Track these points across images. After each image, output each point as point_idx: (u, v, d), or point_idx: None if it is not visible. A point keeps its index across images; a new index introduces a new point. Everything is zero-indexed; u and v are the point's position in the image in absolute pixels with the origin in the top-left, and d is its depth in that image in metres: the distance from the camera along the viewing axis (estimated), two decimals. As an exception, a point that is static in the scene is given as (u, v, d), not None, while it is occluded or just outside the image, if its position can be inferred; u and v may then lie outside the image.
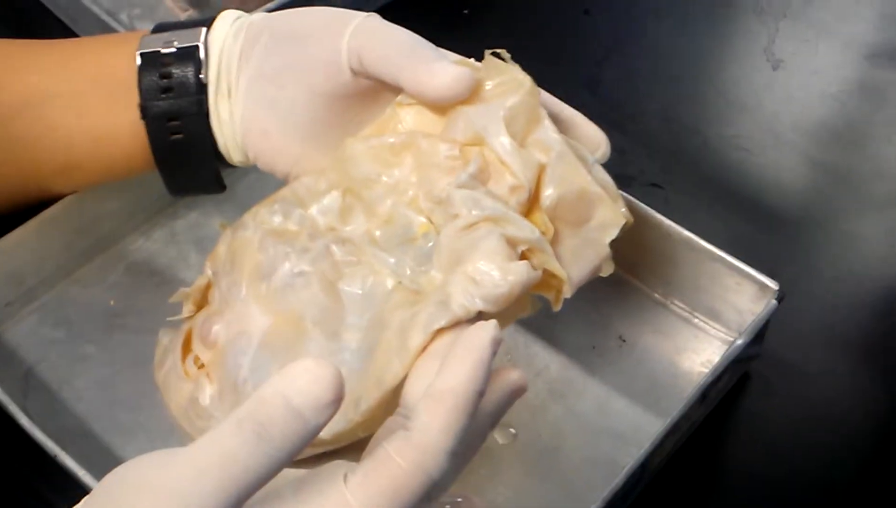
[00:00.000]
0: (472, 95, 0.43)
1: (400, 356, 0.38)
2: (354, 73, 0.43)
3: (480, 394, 0.34)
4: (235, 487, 0.31)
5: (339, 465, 0.34)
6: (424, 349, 0.37)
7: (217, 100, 0.46)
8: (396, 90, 0.44)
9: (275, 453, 0.31)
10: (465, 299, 0.37)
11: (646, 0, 0.72)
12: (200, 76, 0.46)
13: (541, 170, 0.41)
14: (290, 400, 0.30)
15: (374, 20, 0.44)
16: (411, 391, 0.36)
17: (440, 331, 0.37)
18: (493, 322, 0.35)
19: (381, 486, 0.32)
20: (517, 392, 0.37)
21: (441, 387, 0.34)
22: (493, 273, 0.38)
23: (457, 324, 0.37)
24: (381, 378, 0.38)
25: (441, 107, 0.43)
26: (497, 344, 0.35)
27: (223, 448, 0.31)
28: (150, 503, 0.31)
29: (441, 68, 0.42)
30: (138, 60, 0.47)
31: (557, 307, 0.42)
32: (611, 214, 0.42)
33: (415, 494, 0.32)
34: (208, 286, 0.47)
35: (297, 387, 0.31)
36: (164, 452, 0.32)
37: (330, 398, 0.31)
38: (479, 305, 0.37)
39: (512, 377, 0.37)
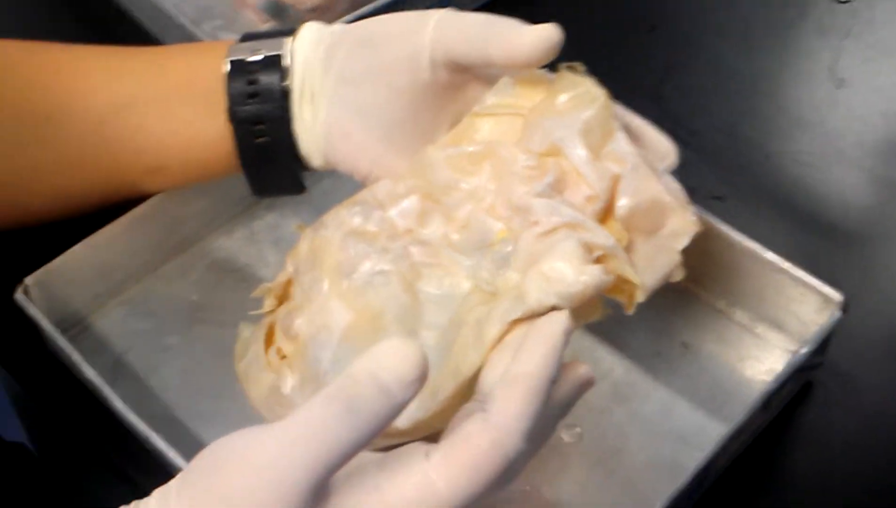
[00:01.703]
0: (547, 107, 0.45)
1: (476, 347, 0.39)
2: (438, 66, 0.45)
3: (553, 380, 0.36)
4: (325, 458, 0.33)
5: (419, 445, 0.35)
6: (500, 340, 0.39)
7: (300, 105, 0.48)
8: (472, 89, 0.46)
9: (362, 426, 0.32)
10: (540, 294, 0.39)
11: (709, 19, 0.73)
12: (285, 83, 0.48)
13: (615, 180, 0.43)
14: (377, 376, 0.32)
15: (452, 12, 0.46)
16: (487, 379, 0.38)
17: (515, 322, 0.39)
18: (565, 312, 0.37)
19: (462, 464, 0.34)
20: (585, 385, 0.39)
21: (517, 372, 0.36)
22: (568, 273, 0.40)
23: (531, 317, 0.39)
24: (457, 369, 0.40)
25: (518, 115, 0.45)
26: (569, 334, 0.37)
27: (314, 421, 0.33)
28: (244, 474, 0.33)
29: (528, 29, 0.44)
30: (227, 67, 0.49)
31: (631, 311, 0.43)
32: (682, 222, 0.43)
33: (493, 472, 0.34)
34: (289, 282, 0.49)
35: (385, 364, 0.32)
36: (255, 428, 0.34)
37: (415, 374, 0.32)
38: (554, 300, 0.39)
39: (580, 370, 0.39)
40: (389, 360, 0.32)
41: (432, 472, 0.34)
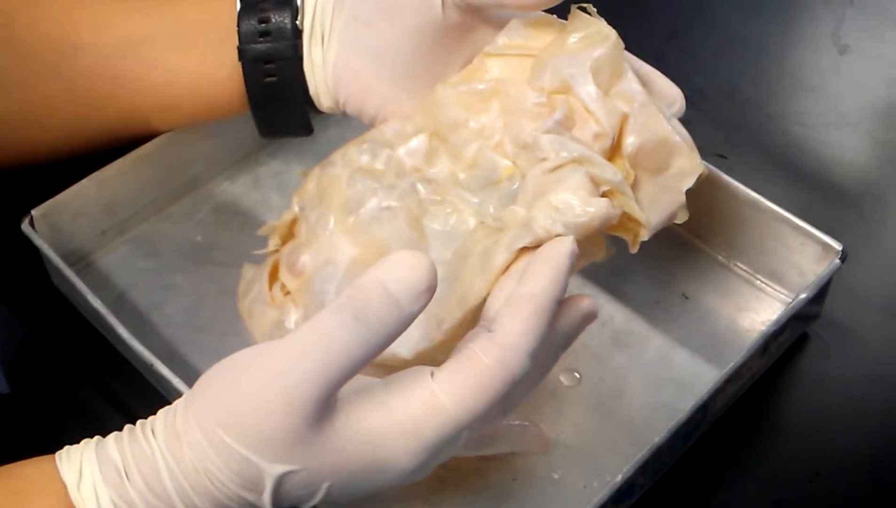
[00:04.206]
0: (558, 47, 0.45)
1: (483, 275, 0.40)
2: (449, 6, 0.45)
3: (558, 301, 0.36)
4: (334, 367, 0.33)
5: (424, 367, 0.36)
6: (506, 268, 0.39)
7: (311, 45, 0.49)
8: (482, 32, 0.46)
9: (372, 337, 0.33)
10: (547, 222, 0.39)
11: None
12: (297, 22, 0.48)
13: (623, 119, 0.43)
14: (387, 287, 0.33)
15: None
16: (493, 305, 0.38)
17: (522, 251, 0.39)
18: (570, 237, 0.38)
19: (467, 380, 0.34)
20: (588, 317, 0.40)
21: (522, 293, 0.36)
22: (575, 203, 0.40)
23: (538, 245, 0.39)
24: (463, 297, 0.40)
25: (528, 55, 0.45)
26: (574, 257, 0.37)
27: (324, 330, 0.33)
28: (254, 384, 0.34)
29: None
30: (238, 6, 0.49)
31: (635, 249, 0.44)
32: (688, 163, 0.44)
33: (497, 389, 0.35)
34: (294, 222, 0.49)
35: (394, 276, 0.33)
36: (264, 343, 0.35)
37: (424, 286, 0.33)
38: (560, 229, 0.39)
39: (584, 302, 0.39)
40: (399, 271, 0.33)
41: (438, 389, 0.35)
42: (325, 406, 0.34)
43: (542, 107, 0.43)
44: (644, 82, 0.46)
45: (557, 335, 0.38)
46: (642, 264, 0.52)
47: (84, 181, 0.52)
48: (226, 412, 0.34)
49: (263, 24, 0.49)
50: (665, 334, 0.52)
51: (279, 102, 0.50)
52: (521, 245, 0.39)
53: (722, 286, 0.54)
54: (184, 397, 0.36)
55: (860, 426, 0.50)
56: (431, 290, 0.33)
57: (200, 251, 0.55)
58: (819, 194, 0.59)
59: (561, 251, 0.37)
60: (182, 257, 0.55)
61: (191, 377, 0.49)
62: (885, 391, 0.51)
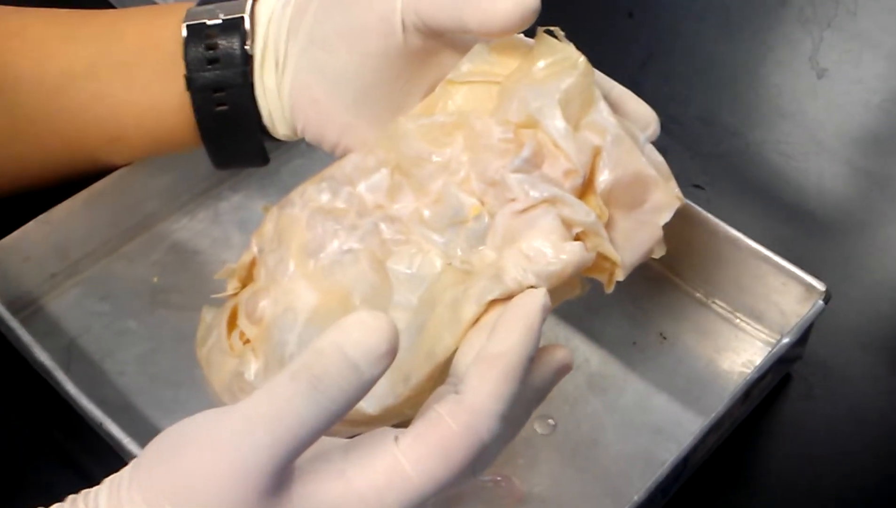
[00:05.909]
0: (524, 74, 0.43)
1: (451, 328, 0.38)
2: (410, 30, 0.43)
3: (530, 359, 0.34)
4: (289, 438, 0.31)
5: (388, 430, 0.34)
6: (476, 321, 0.37)
7: (262, 71, 0.46)
8: (446, 56, 0.44)
9: (329, 404, 0.30)
10: (518, 273, 0.37)
11: (688, 5, 0.72)
12: (246, 47, 0.46)
13: (596, 153, 0.41)
14: (345, 352, 0.30)
15: None
16: (461, 361, 0.36)
17: (493, 303, 0.37)
18: (542, 290, 0.36)
19: (433, 446, 0.32)
20: (563, 370, 0.38)
21: (492, 351, 0.34)
22: (547, 251, 0.38)
23: (509, 298, 0.37)
24: (431, 351, 0.38)
25: (493, 82, 0.43)
26: (547, 311, 0.35)
27: (278, 399, 0.31)
28: (203, 457, 0.31)
29: None
30: (184, 32, 0.47)
31: (610, 289, 0.42)
32: (665, 196, 0.41)
33: (466, 455, 0.32)
34: (253, 263, 0.47)
35: (353, 339, 0.30)
36: (215, 409, 0.32)
37: (384, 349, 0.30)
38: (532, 280, 0.37)
39: (558, 354, 0.37)
40: (357, 333, 0.30)
41: (401, 457, 0.32)
42: (280, 479, 0.31)
43: (508, 143, 0.41)
44: (617, 105, 0.44)
45: (530, 391, 0.36)
46: (617, 302, 0.51)
47: (31, 223, 0.50)
48: (173, 485, 0.32)
49: (211, 51, 0.46)
50: (642, 377, 0.50)
51: (232, 132, 0.48)
52: (490, 298, 0.37)
53: (700, 325, 0.52)
54: (129, 466, 0.34)
55: (846, 468, 0.48)
56: (392, 352, 0.31)
57: (157, 293, 0.53)
58: (799, 226, 0.57)
59: (533, 307, 0.35)
60: (137, 300, 0.52)
61: (145, 432, 0.46)
62: (871, 431, 0.50)
